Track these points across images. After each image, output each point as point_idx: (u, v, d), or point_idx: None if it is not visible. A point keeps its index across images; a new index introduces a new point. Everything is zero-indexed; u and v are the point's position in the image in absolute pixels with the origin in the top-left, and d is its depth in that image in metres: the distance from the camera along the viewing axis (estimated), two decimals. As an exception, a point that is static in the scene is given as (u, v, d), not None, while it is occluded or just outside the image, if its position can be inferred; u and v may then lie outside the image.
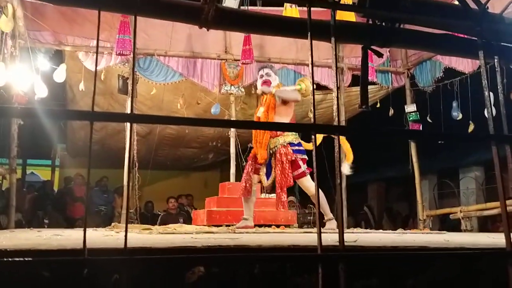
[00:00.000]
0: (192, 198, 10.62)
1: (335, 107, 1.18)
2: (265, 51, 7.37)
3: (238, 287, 1.36)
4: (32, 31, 6.52)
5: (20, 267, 1.13)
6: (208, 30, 1.36)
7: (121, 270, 1.01)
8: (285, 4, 6.76)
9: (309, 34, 1.16)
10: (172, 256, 1.01)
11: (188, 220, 7.86)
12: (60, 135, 10.97)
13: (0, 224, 7.11)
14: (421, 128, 7.35)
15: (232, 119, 7.09)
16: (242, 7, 6.53)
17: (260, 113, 4.85)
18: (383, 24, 1.49)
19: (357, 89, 7.51)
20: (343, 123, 7.63)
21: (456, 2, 1.55)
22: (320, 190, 4.60)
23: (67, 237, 2.34)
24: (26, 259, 1.04)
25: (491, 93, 1.82)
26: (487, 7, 1.49)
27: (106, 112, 1.05)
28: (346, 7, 1.30)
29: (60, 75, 6.50)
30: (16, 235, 3.16)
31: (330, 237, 2.25)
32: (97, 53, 1.03)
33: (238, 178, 6.53)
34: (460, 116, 6.94)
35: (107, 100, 7.93)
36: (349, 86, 7.80)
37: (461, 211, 6.78)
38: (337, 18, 1.24)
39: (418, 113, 7.50)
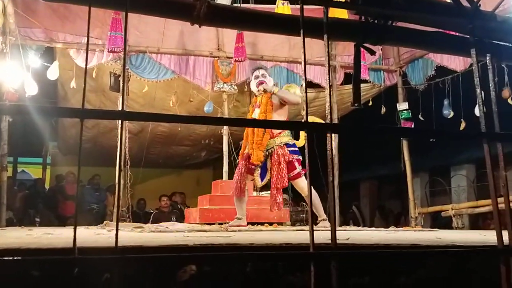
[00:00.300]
0: (185, 196, 10.60)
1: (327, 105, 1.17)
2: (258, 48, 7.36)
3: (230, 285, 1.36)
4: (23, 28, 6.45)
5: (10, 266, 1.12)
6: (200, 26, 1.35)
7: (112, 269, 1.00)
8: (277, 1, 6.76)
9: (301, 32, 1.15)
10: (163, 255, 1.00)
11: (180, 218, 7.84)
12: (51, 133, 10.90)
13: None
14: (413, 126, 7.38)
15: (224, 116, 7.08)
16: (234, 5, 6.51)
17: (256, 115, 4.79)
18: (376, 21, 1.48)
19: (349, 87, 7.52)
20: (335, 121, 7.65)
21: (449, 0, 1.56)
22: (314, 191, 4.63)
23: (58, 236, 2.32)
24: (16, 258, 1.03)
25: (482, 91, 1.82)
26: (479, 5, 1.49)
27: (97, 110, 1.04)
28: (338, 4, 1.29)
29: (53, 72, 6.46)
30: (6, 234, 3.13)
31: (322, 235, 2.25)
32: (87, 50, 1.02)
33: (231, 176, 6.52)
34: (452, 114, 6.98)
35: (99, 97, 7.88)
36: (341, 84, 7.81)
37: (452, 209, 6.83)
38: (329, 15, 1.24)
39: (410, 111, 7.53)
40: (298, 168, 4.68)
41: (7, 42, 6.21)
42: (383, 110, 7.70)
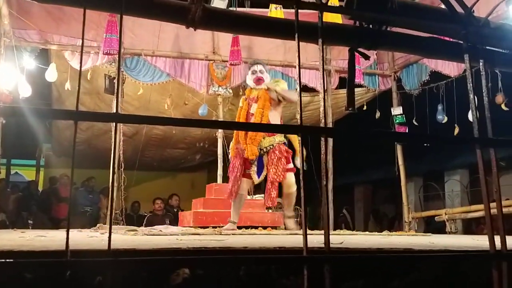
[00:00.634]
0: (179, 198, 10.57)
1: (321, 109, 1.18)
2: (253, 52, 7.37)
3: (223, 289, 1.35)
4: (18, 29, 6.43)
5: (2, 268, 1.11)
6: (195, 30, 1.36)
7: (104, 272, 1.00)
8: (270, 5, 6.77)
9: (296, 36, 1.16)
10: (156, 258, 1.00)
11: (174, 221, 7.82)
12: (45, 135, 10.85)
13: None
14: (407, 131, 7.40)
15: (219, 120, 7.08)
16: (230, 8, 6.52)
17: (254, 110, 4.80)
18: (371, 26, 1.49)
19: (344, 92, 7.53)
20: (330, 125, 7.66)
21: (443, 6, 1.57)
22: (295, 187, 4.67)
23: (51, 238, 2.31)
24: (8, 260, 1.03)
25: (475, 97, 1.83)
26: (473, 11, 1.50)
27: (91, 112, 1.03)
28: (333, 9, 1.30)
29: (51, 74, 6.44)
30: (-2, 236, 3.11)
31: (316, 239, 2.25)
32: (81, 52, 1.01)
33: (225, 179, 6.51)
34: (445, 119, 7.02)
35: (93, 100, 7.86)
36: (336, 88, 7.83)
37: (446, 213, 6.85)
38: (323, 19, 1.24)
39: (404, 115, 7.56)
40: (291, 163, 4.74)
41: (2, 43, 6.19)
42: (378, 114, 7.73)
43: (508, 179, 9.22)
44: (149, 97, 7.60)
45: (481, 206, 6.07)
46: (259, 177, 4.75)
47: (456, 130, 6.79)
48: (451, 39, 1.67)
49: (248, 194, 6.54)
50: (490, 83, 5.89)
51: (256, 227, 5.06)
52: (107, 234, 0.99)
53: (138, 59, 6.88)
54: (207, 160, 11.60)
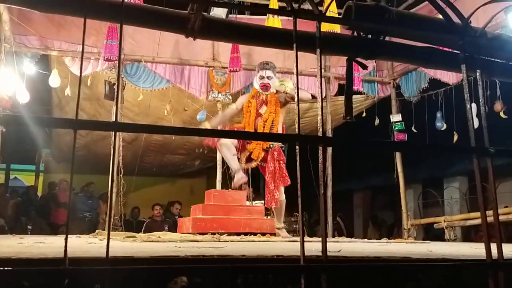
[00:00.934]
0: (181, 206, 10.55)
1: (319, 118, 1.19)
2: (253, 59, 7.39)
3: (221, 297, 1.36)
4: (18, 35, 6.46)
5: (0, 276, 1.11)
6: (194, 39, 1.37)
7: (103, 280, 1.01)
8: (267, 14, 6.81)
9: (294, 46, 1.17)
10: (153, 266, 1.00)
11: (173, 227, 7.81)
12: (45, 140, 10.87)
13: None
14: (406, 138, 7.41)
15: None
16: (230, 15, 6.55)
17: (263, 111, 4.85)
18: (368, 36, 1.51)
19: (343, 99, 7.56)
20: (329, 132, 7.68)
21: (440, 16, 1.58)
22: (283, 196, 4.69)
23: (49, 245, 2.31)
24: (6, 268, 1.03)
25: (474, 105, 1.85)
26: (470, 21, 1.51)
27: (90, 121, 1.04)
28: (331, 19, 1.31)
29: (54, 80, 6.46)
30: (-3, 242, 3.11)
31: (314, 247, 2.26)
32: (81, 59, 1.02)
33: (225, 185, 6.52)
34: (444, 126, 7.03)
35: (94, 106, 7.87)
36: (335, 95, 7.85)
37: (445, 221, 6.84)
38: (321, 28, 1.25)
39: (403, 122, 7.57)
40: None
41: (2, 49, 6.21)
42: (377, 121, 7.74)
43: (507, 186, 9.23)
44: (149, 103, 7.61)
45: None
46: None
47: (455, 138, 6.80)
48: (449, 49, 1.68)
49: (247, 200, 6.55)
50: (489, 91, 5.92)
51: (255, 234, 5.05)
52: (106, 241, 1.00)
53: (138, 65, 6.90)
54: (206, 166, 11.60)
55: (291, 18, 1.17)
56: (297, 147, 1.17)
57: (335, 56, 7.67)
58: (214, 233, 4.88)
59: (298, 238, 4.55)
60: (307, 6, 5.07)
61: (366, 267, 1.25)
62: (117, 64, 6.44)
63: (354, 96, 7.69)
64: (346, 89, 1.50)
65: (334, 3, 5.77)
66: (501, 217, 5.92)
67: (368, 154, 10.70)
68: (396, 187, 7.80)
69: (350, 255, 1.62)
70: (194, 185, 12.90)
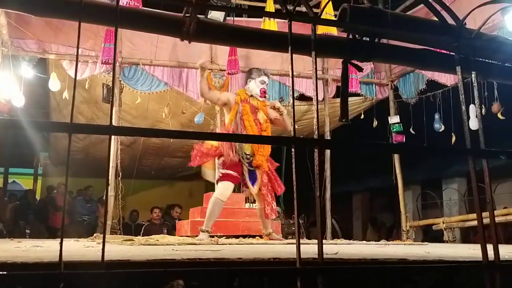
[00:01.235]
0: (181, 211, 10.51)
1: (315, 120, 1.19)
2: (250, 61, 7.40)
3: (217, 300, 1.35)
4: (16, 39, 6.46)
5: (-5, 280, 1.11)
6: (189, 42, 1.37)
7: (98, 284, 1.00)
8: (263, 17, 6.81)
9: (290, 49, 1.17)
10: (149, 270, 1.00)
11: (172, 231, 7.81)
12: (43, 144, 10.85)
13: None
14: (404, 140, 7.42)
15: (217, 129, 7.08)
16: (228, 18, 6.55)
17: (261, 118, 4.72)
18: (364, 38, 1.51)
19: (341, 100, 7.56)
20: (327, 134, 7.68)
21: (435, 18, 1.59)
22: (214, 197, 4.54)
23: (47, 249, 2.31)
24: (1, 273, 1.03)
25: (473, 106, 1.85)
26: (465, 23, 1.52)
27: (85, 124, 1.05)
28: (326, 22, 1.30)
29: (54, 84, 6.45)
30: (-5, 246, 3.10)
31: (312, 249, 2.25)
32: (76, 63, 1.03)
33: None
34: (442, 128, 7.04)
35: (92, 109, 7.87)
36: (333, 97, 7.85)
37: (443, 222, 6.84)
38: (318, 30, 1.26)
39: (401, 124, 7.58)
40: None
41: (0, 53, 6.20)
42: (375, 123, 7.75)
43: (506, 187, 9.23)
44: (147, 106, 7.61)
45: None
46: (254, 186, 4.62)
47: (453, 139, 6.81)
48: (445, 51, 1.68)
49: (247, 202, 6.54)
50: (487, 93, 5.93)
51: (253, 236, 5.05)
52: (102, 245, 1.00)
53: (136, 68, 6.90)
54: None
55: (287, 21, 1.17)
56: (293, 149, 1.17)
57: (333, 58, 7.69)
58: (212, 236, 4.87)
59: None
60: (304, 9, 5.07)
61: (363, 269, 1.25)
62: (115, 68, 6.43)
63: (352, 98, 7.70)
64: (341, 92, 1.50)
65: (330, 5, 5.78)
66: (500, 218, 5.93)
67: (367, 156, 10.70)
68: (394, 189, 7.80)
69: (347, 257, 1.62)
70: (192, 187, 12.87)
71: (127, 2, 5.54)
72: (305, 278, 1.07)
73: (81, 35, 1.04)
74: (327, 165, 7.36)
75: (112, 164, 6.46)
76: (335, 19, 1.53)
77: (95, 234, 5.68)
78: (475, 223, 6.45)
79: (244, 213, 5.60)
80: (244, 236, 5.01)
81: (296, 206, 1.21)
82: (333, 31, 5.56)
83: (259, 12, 6.95)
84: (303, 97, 7.76)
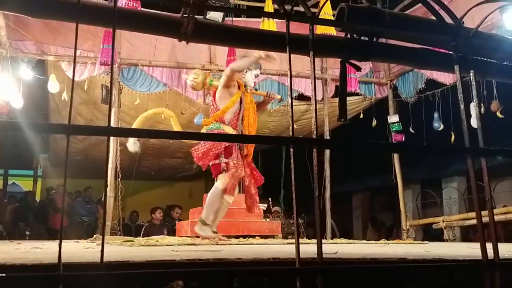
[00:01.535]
0: (182, 210, 10.50)
1: (313, 119, 1.19)
2: (249, 62, 7.38)
3: (217, 300, 1.35)
4: (15, 40, 6.46)
5: (-6, 282, 1.11)
6: (187, 43, 1.37)
7: (97, 285, 1.00)
8: (262, 17, 6.81)
9: (287, 49, 1.17)
10: (148, 271, 1.00)
11: (172, 231, 7.80)
12: (42, 145, 10.85)
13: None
14: (403, 139, 7.42)
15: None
16: (226, 18, 6.55)
17: (251, 112, 4.56)
18: (362, 38, 1.51)
19: (340, 100, 7.55)
20: (326, 134, 7.67)
21: (433, 17, 1.59)
22: (212, 192, 4.39)
23: (46, 250, 2.30)
24: (0, 275, 1.03)
25: (473, 104, 1.85)
26: (463, 22, 1.52)
27: (83, 126, 1.04)
28: (324, 22, 1.31)
29: (53, 85, 6.45)
30: (-6, 248, 3.10)
31: (311, 249, 2.25)
32: (74, 63, 1.02)
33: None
34: (442, 127, 7.04)
35: (90, 110, 7.87)
36: (332, 97, 7.85)
37: (443, 221, 6.85)
38: (317, 30, 1.26)
39: (400, 123, 7.58)
40: None
41: (-1, 55, 6.21)
42: (374, 122, 7.75)
43: (505, 185, 9.23)
44: (146, 107, 7.59)
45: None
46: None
47: (453, 138, 6.81)
48: (443, 50, 1.68)
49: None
50: (486, 91, 5.93)
51: (253, 237, 5.05)
52: (104, 245, 0.99)
53: (135, 69, 6.90)
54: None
55: (285, 21, 1.17)
56: (292, 149, 1.17)
57: (332, 59, 7.69)
58: (216, 232, 4.85)
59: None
60: (303, 9, 5.06)
61: (362, 268, 1.25)
62: (114, 68, 6.43)
63: (351, 98, 7.70)
64: (340, 91, 1.50)
65: (329, 6, 5.78)
66: (499, 217, 5.93)
67: (366, 155, 10.70)
68: (394, 188, 7.80)
69: (346, 257, 1.62)
70: (192, 188, 12.88)
71: (125, 3, 5.54)
72: (305, 278, 1.07)
73: (79, 36, 1.04)
74: (327, 165, 7.35)
75: (111, 165, 6.46)
76: (332, 19, 1.53)
77: (94, 235, 5.67)
78: (475, 221, 6.42)
79: (244, 213, 5.58)
80: (244, 236, 5.01)
81: (295, 206, 1.20)
82: (332, 31, 5.56)
83: (257, 12, 6.95)
84: (302, 97, 7.76)
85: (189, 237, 5.06)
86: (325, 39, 1.53)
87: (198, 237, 4.42)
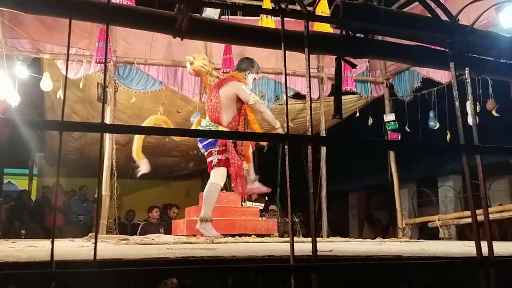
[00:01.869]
0: (178, 210, 10.50)
1: (308, 117, 1.18)
2: (245, 60, 7.38)
3: (212, 298, 1.35)
4: (10, 38, 6.43)
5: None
6: (182, 39, 1.36)
7: (90, 283, 1.00)
8: (261, 14, 6.81)
9: (282, 45, 1.17)
10: (142, 268, 1.00)
11: (168, 230, 7.79)
12: (38, 144, 10.81)
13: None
14: (399, 137, 7.43)
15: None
16: (223, 16, 6.54)
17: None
18: (357, 35, 1.50)
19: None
20: (323, 132, 7.68)
21: (429, 14, 1.58)
22: (209, 186, 4.52)
23: (41, 249, 2.29)
24: (-8, 272, 1.02)
25: (469, 103, 1.85)
26: (459, 19, 1.51)
27: (76, 122, 1.03)
28: (319, 19, 1.31)
29: (46, 84, 6.42)
30: (-11, 247, 3.08)
31: (307, 246, 2.25)
32: (67, 60, 1.02)
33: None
34: (437, 125, 7.05)
35: (86, 108, 7.84)
36: (329, 95, 7.85)
37: (439, 219, 6.86)
38: (314, 28, 1.26)
39: (397, 122, 7.59)
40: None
41: (-6, 52, 6.18)
42: (370, 121, 7.76)
43: (501, 184, 9.27)
44: (142, 105, 7.59)
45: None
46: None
47: (448, 136, 6.82)
48: (439, 48, 1.68)
49: (249, 201, 6.55)
50: (481, 90, 5.94)
51: (249, 235, 5.05)
52: (99, 244, 0.99)
53: (131, 67, 6.88)
54: (201, 168, 11.56)
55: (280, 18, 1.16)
56: (286, 146, 1.16)
57: (328, 57, 7.68)
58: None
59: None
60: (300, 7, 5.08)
61: (356, 266, 1.25)
62: (109, 67, 6.42)
63: (347, 96, 7.71)
64: (335, 89, 1.50)
65: (326, 3, 5.79)
66: (495, 215, 5.95)
67: (362, 154, 10.72)
68: (390, 187, 7.81)
69: (341, 255, 1.61)
70: (189, 187, 12.87)
71: (120, 0, 5.52)
72: (299, 276, 1.06)
73: (75, 34, 1.03)
74: (323, 163, 7.36)
75: (107, 163, 6.45)
76: (327, 16, 1.53)
77: (90, 234, 5.66)
78: (470, 220, 6.46)
79: (240, 212, 5.59)
80: (240, 235, 5.00)
81: (290, 203, 1.20)
82: (328, 29, 5.56)
83: (252, 9, 6.96)
84: (298, 96, 7.76)
85: (185, 235, 5.05)
86: (320, 36, 1.53)
87: (194, 235, 4.46)
